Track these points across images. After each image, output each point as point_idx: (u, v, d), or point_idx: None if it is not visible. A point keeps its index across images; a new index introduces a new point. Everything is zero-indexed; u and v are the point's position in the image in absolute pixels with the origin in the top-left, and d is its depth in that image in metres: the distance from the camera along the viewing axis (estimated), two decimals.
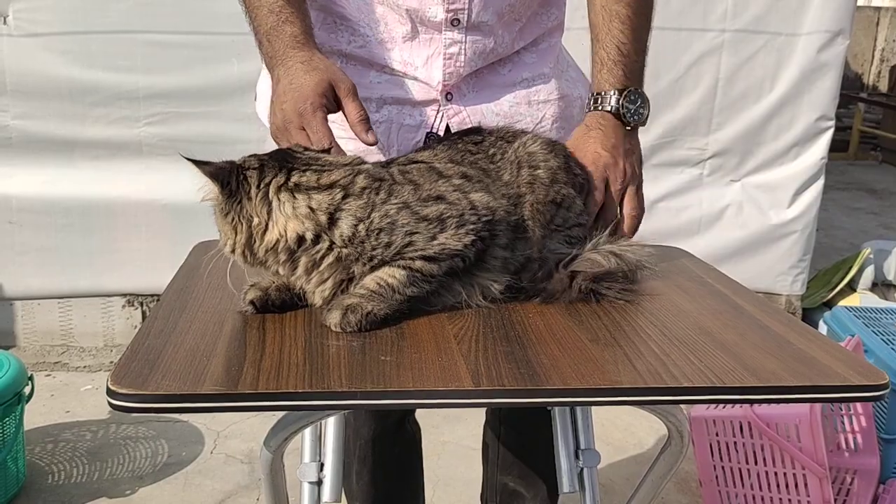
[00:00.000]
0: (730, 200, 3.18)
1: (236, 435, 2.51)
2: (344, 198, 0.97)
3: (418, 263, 0.98)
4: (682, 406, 1.05)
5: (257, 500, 2.20)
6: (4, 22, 2.72)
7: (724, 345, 0.91)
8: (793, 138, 3.14)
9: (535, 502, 1.71)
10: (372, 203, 0.99)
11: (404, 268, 0.97)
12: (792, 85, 3.06)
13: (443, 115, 1.27)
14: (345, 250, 0.97)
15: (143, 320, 3.06)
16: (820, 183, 3.20)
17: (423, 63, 1.26)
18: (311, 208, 0.96)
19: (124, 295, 3.02)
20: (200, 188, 0.99)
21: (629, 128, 1.23)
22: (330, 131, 1.07)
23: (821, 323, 3.07)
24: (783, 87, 3.07)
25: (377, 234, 0.97)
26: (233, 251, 0.98)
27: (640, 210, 1.25)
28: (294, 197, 0.96)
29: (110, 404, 0.76)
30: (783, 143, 3.14)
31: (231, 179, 0.97)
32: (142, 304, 3.04)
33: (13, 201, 2.85)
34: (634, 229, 1.24)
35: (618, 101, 1.21)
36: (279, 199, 0.96)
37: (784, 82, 3.06)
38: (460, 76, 1.27)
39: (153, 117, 2.84)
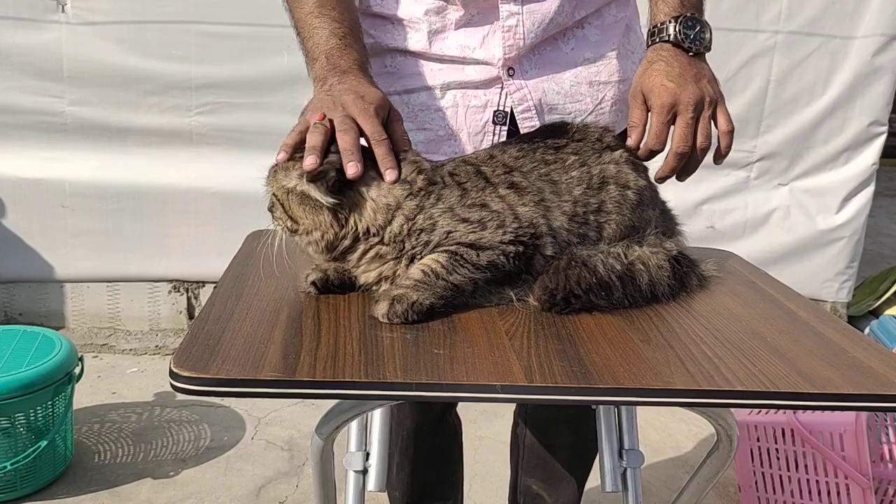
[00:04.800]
0: (777, 204, 3.14)
1: (276, 422, 2.55)
2: (407, 196, 1.01)
3: (458, 248, 0.99)
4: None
5: (296, 486, 2.23)
6: (63, 10, 2.78)
7: (778, 350, 0.91)
8: (844, 143, 3.10)
9: None
10: (421, 206, 1.01)
11: (446, 251, 0.99)
12: (845, 89, 3.02)
13: (506, 93, 1.27)
14: (384, 247, 1.01)
15: (188, 306, 3.11)
16: (870, 189, 3.15)
17: (479, 44, 1.26)
18: (387, 203, 1.00)
19: (171, 281, 3.08)
20: (294, 179, 1.00)
21: (691, 54, 1.17)
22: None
23: (867, 331, 3.03)
24: (835, 91, 3.02)
25: (417, 234, 1.00)
26: (321, 240, 1.01)
27: (728, 126, 1.17)
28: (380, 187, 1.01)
29: (173, 386, 0.78)
30: (833, 147, 3.10)
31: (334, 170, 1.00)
32: (188, 290, 3.09)
33: (66, 185, 2.91)
34: (728, 147, 1.18)
35: (675, 28, 1.17)
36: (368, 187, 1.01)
37: (837, 86, 3.02)
38: (521, 49, 1.25)
39: (204, 107, 2.88)
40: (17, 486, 2.07)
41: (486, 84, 1.27)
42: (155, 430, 2.48)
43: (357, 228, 1.00)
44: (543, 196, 1.07)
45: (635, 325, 0.98)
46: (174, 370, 0.78)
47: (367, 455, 1.16)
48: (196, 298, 3.10)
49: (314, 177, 0.97)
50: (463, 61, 1.26)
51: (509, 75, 1.26)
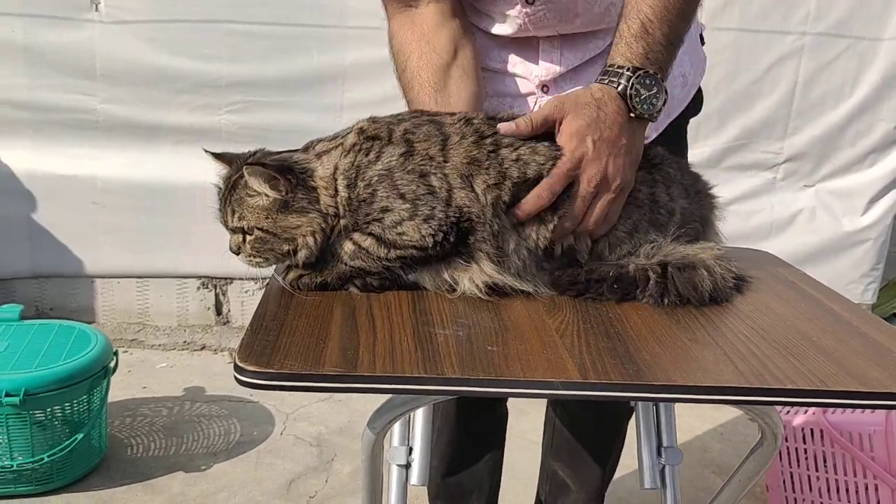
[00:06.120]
0: (803, 206, 3.14)
1: (304, 418, 2.57)
2: (340, 155, 1.04)
3: (368, 242, 1.02)
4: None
5: (325, 482, 2.25)
6: (96, 9, 2.81)
7: (825, 349, 0.92)
8: (870, 145, 3.09)
9: (581, 495, 1.72)
10: (357, 165, 1.03)
11: (354, 242, 1.03)
12: (872, 90, 3.01)
13: (538, 107, 1.30)
14: (343, 220, 1.04)
15: (216, 303, 3.14)
16: None
17: (521, 60, 1.31)
18: (329, 173, 1.04)
19: (199, 277, 3.11)
20: (259, 192, 1.03)
21: (632, 115, 1.06)
22: None
23: None
24: (863, 93, 3.02)
25: (359, 206, 1.03)
26: (320, 232, 1.03)
27: (613, 220, 1.08)
28: (321, 159, 1.06)
29: (238, 380, 0.80)
30: (860, 149, 3.10)
31: (293, 170, 1.03)
32: (216, 286, 3.13)
33: (98, 182, 2.95)
34: (595, 235, 1.08)
35: (629, 80, 1.05)
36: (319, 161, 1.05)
37: (864, 87, 3.01)
38: (558, 73, 1.29)
39: (234, 105, 2.91)
40: (53, 477, 2.11)
41: (522, 96, 1.31)
42: (186, 424, 2.51)
43: (328, 211, 1.03)
44: (503, 169, 1.03)
45: (681, 324, 0.99)
46: (239, 364, 0.80)
47: (410, 450, 1.19)
48: (224, 295, 3.14)
49: (261, 171, 1.01)
50: (504, 73, 1.31)
51: (543, 92, 1.30)
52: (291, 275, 1.05)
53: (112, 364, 2.21)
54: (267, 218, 1.03)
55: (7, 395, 1.95)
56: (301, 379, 0.80)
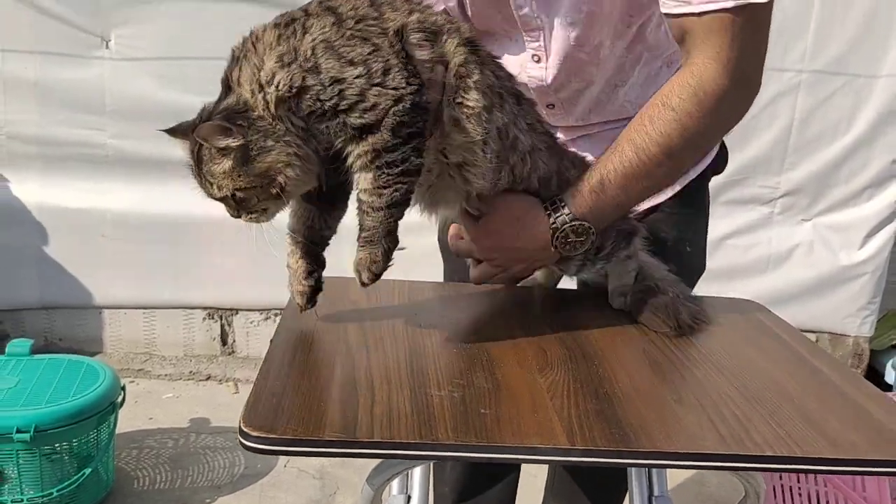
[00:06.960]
0: (800, 240, 3.18)
1: None
2: (269, 54, 0.97)
3: (372, 176, 0.99)
4: None
5: None
6: (107, 46, 2.88)
7: (804, 411, 0.96)
8: (867, 180, 3.13)
9: None
10: (294, 49, 0.95)
11: (367, 191, 1.00)
12: (868, 127, 3.05)
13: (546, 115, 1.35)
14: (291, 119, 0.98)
15: (222, 333, 3.19)
16: (893, 225, 3.17)
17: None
18: (262, 77, 0.97)
19: (205, 308, 3.16)
20: (223, 147, 0.99)
21: (553, 248, 1.15)
22: None
23: (888, 366, 3.06)
24: (859, 129, 3.06)
25: (306, 76, 0.95)
26: (306, 161, 1.00)
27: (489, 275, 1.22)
28: (242, 86, 1.01)
29: (243, 445, 0.84)
30: (856, 184, 3.13)
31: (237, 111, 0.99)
32: (221, 317, 3.17)
33: (107, 215, 3.01)
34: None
35: (563, 224, 1.13)
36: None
37: (860, 124, 3.05)
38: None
39: None
40: None
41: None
42: (191, 456, 2.55)
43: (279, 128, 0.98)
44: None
45: (667, 381, 1.04)
46: (244, 430, 0.84)
47: (409, 498, 1.22)
48: (229, 325, 3.18)
49: (211, 127, 0.98)
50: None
51: (548, 108, 1.34)
52: (365, 276, 1.04)
53: (119, 399, 2.25)
54: (239, 176, 1.00)
55: (18, 430, 2.00)
56: (303, 444, 0.84)
